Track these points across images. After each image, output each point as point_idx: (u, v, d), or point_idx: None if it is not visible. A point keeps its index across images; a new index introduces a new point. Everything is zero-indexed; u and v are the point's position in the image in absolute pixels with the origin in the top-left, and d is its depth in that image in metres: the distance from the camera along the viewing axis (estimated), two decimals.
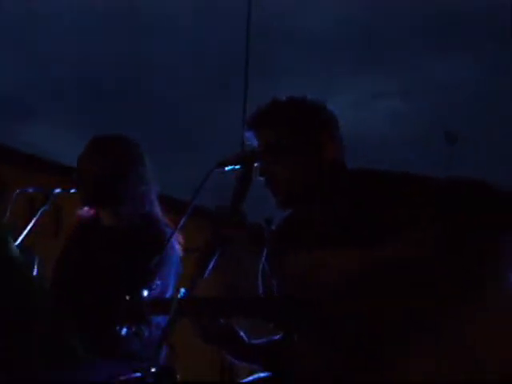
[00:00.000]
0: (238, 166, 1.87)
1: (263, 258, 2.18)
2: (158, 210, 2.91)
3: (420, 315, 1.77)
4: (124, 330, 2.01)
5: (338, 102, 2.30)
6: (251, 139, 2.08)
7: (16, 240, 2.58)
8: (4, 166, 7.20)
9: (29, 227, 2.58)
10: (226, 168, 1.86)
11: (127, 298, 2.01)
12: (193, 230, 2.78)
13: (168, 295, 2.69)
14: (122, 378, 2.59)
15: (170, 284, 2.73)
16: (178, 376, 3.01)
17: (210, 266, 1.72)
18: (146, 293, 2.11)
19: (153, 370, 2.69)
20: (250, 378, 2.11)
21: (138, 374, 2.63)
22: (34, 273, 2.64)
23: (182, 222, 1.80)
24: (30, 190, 2.66)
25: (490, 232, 1.79)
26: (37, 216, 2.64)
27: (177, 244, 2.84)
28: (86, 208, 2.96)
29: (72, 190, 2.83)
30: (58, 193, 2.75)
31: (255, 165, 1.91)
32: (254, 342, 2.10)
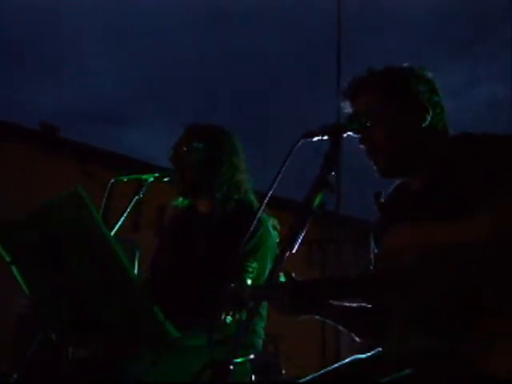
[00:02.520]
0: (325, 137, 1.81)
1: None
2: (253, 196, 2.90)
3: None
4: (228, 318, 2.01)
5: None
6: (348, 108, 2.04)
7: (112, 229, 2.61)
8: (107, 170, 7.42)
9: (124, 216, 2.60)
10: (314, 139, 1.81)
11: (231, 285, 2.00)
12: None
13: (265, 278, 2.67)
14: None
15: (266, 267, 2.71)
16: (284, 371, 2.99)
17: (299, 239, 1.67)
18: (249, 281, 2.11)
19: (252, 356, 2.71)
20: (348, 359, 2.06)
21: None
22: (136, 263, 2.68)
23: (269, 194, 1.76)
24: (124, 179, 2.69)
25: None
26: (131, 204, 2.67)
27: (272, 229, 2.81)
28: (180, 199, 2.98)
29: (165, 179, 2.84)
30: (151, 181, 2.76)
31: (344, 135, 1.86)
32: (347, 305, 2.07)
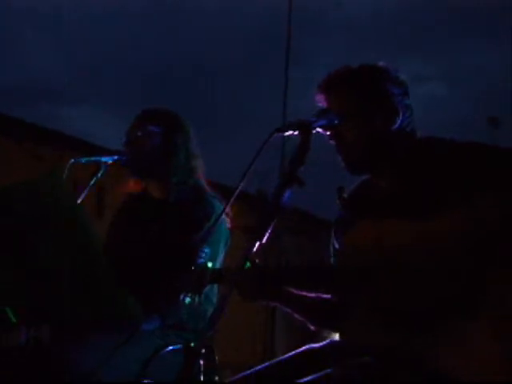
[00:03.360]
0: (296, 132, 1.86)
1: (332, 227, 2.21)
2: (203, 182, 2.93)
3: (476, 293, 1.74)
4: (187, 299, 2.04)
5: None
6: (321, 102, 2.08)
7: None
8: (48, 149, 7.25)
9: (81, 198, 2.59)
10: (285, 133, 1.85)
11: (192, 267, 2.03)
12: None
13: (217, 263, 2.71)
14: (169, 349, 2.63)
15: (218, 252, 2.75)
16: (217, 357, 3.04)
17: (268, 231, 1.72)
18: (210, 264, 2.14)
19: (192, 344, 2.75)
20: (324, 342, 2.12)
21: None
22: None
23: (237, 190, 1.80)
24: (83, 161, 2.67)
25: None
26: (88, 186, 2.66)
27: (224, 214, 2.85)
28: (132, 181, 2.98)
29: (123, 162, 2.84)
30: (110, 164, 2.75)
31: (313, 131, 1.91)
32: (305, 295, 2.11)
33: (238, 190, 1.78)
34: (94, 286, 2.02)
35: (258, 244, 1.69)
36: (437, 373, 1.70)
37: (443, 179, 1.92)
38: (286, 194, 1.76)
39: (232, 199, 1.82)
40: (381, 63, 2.13)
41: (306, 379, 1.87)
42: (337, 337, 2.16)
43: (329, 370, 1.86)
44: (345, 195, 2.19)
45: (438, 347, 1.72)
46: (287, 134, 1.86)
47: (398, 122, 2.05)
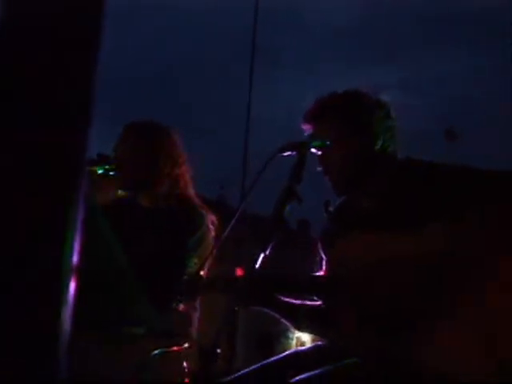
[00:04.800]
0: (294, 152, 2.01)
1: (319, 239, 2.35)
2: (191, 191, 3.04)
3: (447, 304, 1.91)
4: (181, 306, 2.14)
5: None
6: (308, 131, 2.26)
7: None
8: None
9: None
10: (285, 154, 2.01)
11: (184, 276, 2.14)
12: None
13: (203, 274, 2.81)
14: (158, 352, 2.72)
15: (206, 263, 2.85)
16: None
17: (272, 243, 1.85)
18: (202, 272, 2.25)
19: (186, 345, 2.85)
20: (310, 345, 2.26)
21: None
22: None
23: (241, 207, 1.93)
24: None
25: None
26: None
27: (210, 224, 2.96)
28: (121, 193, 3.07)
29: (112, 172, 2.92)
30: (101, 173, 2.84)
31: (308, 152, 2.06)
32: (293, 301, 2.24)
33: (241, 209, 1.91)
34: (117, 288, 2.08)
35: (262, 256, 1.82)
36: (421, 372, 1.86)
37: (420, 199, 2.08)
38: (286, 209, 1.90)
39: (237, 214, 1.93)
40: (363, 89, 2.30)
41: (297, 378, 2.00)
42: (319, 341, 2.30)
43: (318, 371, 2.00)
44: (331, 209, 2.35)
45: (421, 347, 1.87)
46: (286, 153, 2.01)
47: (380, 144, 2.22)
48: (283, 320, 2.30)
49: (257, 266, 1.83)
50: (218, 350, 1.68)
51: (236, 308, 2.19)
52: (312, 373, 1.98)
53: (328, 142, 2.14)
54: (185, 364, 2.82)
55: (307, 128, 2.26)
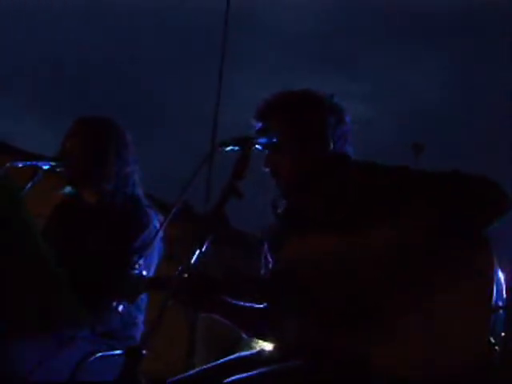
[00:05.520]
0: (236, 148, 1.95)
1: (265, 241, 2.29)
2: (140, 191, 2.97)
3: (403, 299, 1.89)
4: (121, 307, 2.07)
5: None
6: (257, 127, 2.19)
7: None
8: None
9: None
10: (227, 148, 1.94)
11: (127, 275, 2.07)
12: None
13: (151, 273, 2.75)
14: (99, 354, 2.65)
15: (152, 263, 2.78)
16: None
17: (207, 241, 1.79)
18: (145, 272, 2.18)
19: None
20: (254, 350, 2.20)
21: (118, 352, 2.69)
22: None
23: (179, 199, 1.86)
24: (19, 165, 2.66)
25: (478, 224, 1.93)
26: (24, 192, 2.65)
27: (158, 224, 2.89)
28: (67, 188, 2.99)
29: (58, 169, 2.85)
30: (46, 169, 2.76)
31: (253, 148, 2.00)
32: (243, 305, 2.19)
33: (178, 204, 1.85)
34: (43, 287, 2.02)
35: (197, 252, 1.75)
36: (371, 369, 1.84)
37: (372, 199, 2.03)
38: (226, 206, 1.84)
39: (176, 206, 1.86)
40: (318, 91, 2.24)
41: (232, 378, 1.94)
42: (267, 347, 2.25)
43: (254, 372, 1.94)
44: (279, 210, 2.28)
45: (370, 344, 1.86)
46: (228, 148, 1.94)
47: (331, 148, 2.16)
48: (230, 323, 2.24)
49: (192, 262, 1.75)
50: (144, 352, 1.61)
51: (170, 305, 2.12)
52: (247, 374, 1.92)
53: (275, 140, 2.08)
54: None
55: (258, 125, 2.19)
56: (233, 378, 1.91)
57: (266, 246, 2.30)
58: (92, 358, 2.61)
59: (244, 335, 2.27)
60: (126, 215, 2.83)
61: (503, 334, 1.93)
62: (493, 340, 1.86)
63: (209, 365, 2.23)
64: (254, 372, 1.92)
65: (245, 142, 1.96)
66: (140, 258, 2.68)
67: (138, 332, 2.83)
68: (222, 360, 2.24)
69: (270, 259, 2.27)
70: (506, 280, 1.99)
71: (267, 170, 2.17)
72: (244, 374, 1.92)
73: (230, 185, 1.87)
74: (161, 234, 2.88)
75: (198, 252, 1.76)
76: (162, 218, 2.93)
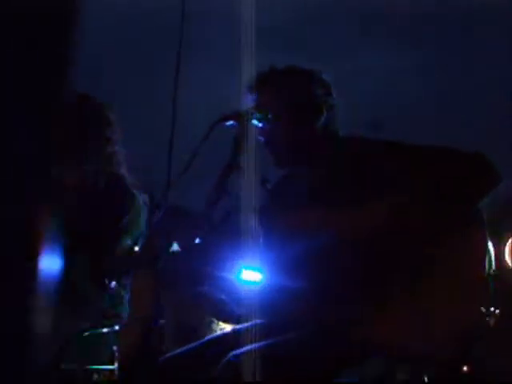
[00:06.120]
0: (235, 122, 1.96)
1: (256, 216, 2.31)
2: (124, 171, 2.93)
3: (395, 275, 1.94)
4: (113, 284, 2.06)
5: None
6: (251, 102, 2.19)
7: None
8: None
9: None
10: (227, 123, 1.95)
11: (117, 254, 2.07)
12: None
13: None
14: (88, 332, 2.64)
15: (138, 243, 2.77)
16: None
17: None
18: (136, 248, 2.17)
19: (117, 327, 2.77)
20: (248, 324, 2.21)
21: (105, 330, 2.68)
22: None
23: (182, 173, 1.86)
24: None
25: (470, 197, 1.98)
26: None
27: (144, 204, 2.87)
28: None
29: None
30: None
31: (248, 122, 2.02)
32: None
33: (178, 181, 1.85)
34: None
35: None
36: (362, 341, 1.89)
37: (361, 174, 2.07)
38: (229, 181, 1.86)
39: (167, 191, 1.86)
40: (306, 66, 2.27)
41: (237, 352, 1.96)
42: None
43: (258, 344, 1.97)
44: (269, 186, 2.30)
45: (363, 318, 1.90)
46: (228, 123, 1.95)
47: (322, 119, 2.19)
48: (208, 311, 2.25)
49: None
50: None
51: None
52: (251, 346, 1.94)
53: (270, 116, 2.10)
54: (114, 347, 2.75)
55: (250, 99, 2.21)
56: (237, 351, 1.93)
57: (257, 222, 2.32)
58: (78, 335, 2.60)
59: (216, 321, 2.28)
60: (107, 195, 2.78)
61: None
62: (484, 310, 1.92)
63: (205, 339, 2.24)
64: (257, 345, 1.94)
65: (242, 116, 1.98)
66: (127, 237, 2.68)
67: (125, 311, 2.82)
68: (218, 334, 2.26)
69: (263, 234, 2.29)
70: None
71: (261, 139, 2.18)
72: (246, 348, 1.94)
73: (231, 161, 1.88)
74: (146, 214, 2.86)
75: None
76: (146, 197, 2.91)
